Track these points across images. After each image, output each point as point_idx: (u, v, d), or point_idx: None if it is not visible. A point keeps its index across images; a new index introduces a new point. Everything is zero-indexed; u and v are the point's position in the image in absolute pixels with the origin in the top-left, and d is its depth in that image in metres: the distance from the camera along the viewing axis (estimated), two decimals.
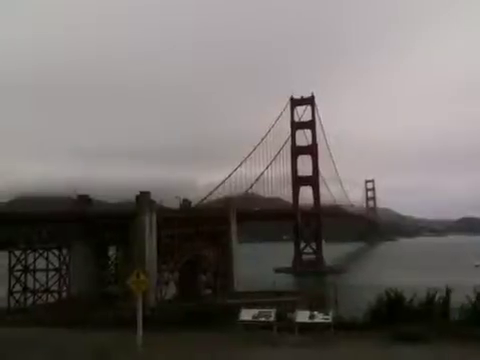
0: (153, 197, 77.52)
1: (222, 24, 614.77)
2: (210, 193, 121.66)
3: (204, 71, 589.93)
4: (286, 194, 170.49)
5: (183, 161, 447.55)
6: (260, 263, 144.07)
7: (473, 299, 18.07)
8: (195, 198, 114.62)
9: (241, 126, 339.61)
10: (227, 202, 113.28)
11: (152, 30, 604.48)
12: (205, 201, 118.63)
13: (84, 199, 78.43)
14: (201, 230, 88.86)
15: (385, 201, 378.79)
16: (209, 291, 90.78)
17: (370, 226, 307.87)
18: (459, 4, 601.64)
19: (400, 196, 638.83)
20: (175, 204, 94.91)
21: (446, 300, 18.68)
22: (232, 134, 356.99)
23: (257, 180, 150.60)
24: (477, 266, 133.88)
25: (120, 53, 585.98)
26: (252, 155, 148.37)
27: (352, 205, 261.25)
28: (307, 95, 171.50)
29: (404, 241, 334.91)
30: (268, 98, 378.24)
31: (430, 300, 18.71)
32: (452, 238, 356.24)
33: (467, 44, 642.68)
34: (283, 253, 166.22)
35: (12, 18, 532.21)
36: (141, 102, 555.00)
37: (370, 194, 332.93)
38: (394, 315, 18.25)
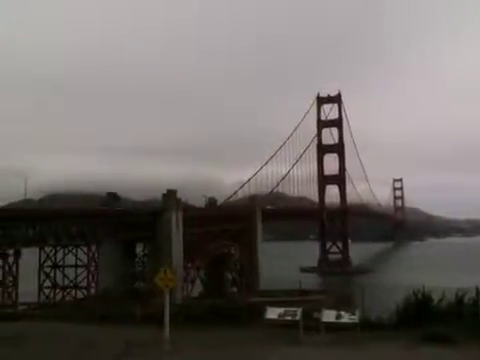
0: (180, 195, 78.24)
1: (250, 20, 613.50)
2: (235, 192, 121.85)
3: (235, 69, 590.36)
4: (312, 193, 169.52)
5: (212, 160, 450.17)
6: (286, 262, 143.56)
7: None
8: (223, 196, 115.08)
9: (271, 124, 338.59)
10: (253, 200, 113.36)
11: (184, 27, 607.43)
12: (231, 199, 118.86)
13: (112, 197, 79.59)
14: (227, 228, 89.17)
15: (413, 200, 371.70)
16: (234, 289, 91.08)
17: (398, 226, 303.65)
18: None
19: (429, 195, 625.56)
20: (201, 202, 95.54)
21: (476, 301, 18.34)
22: (262, 132, 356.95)
23: (283, 179, 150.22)
24: None
25: (151, 52, 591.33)
26: (279, 154, 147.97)
27: (379, 204, 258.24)
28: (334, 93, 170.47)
29: (432, 241, 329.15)
30: (298, 96, 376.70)
31: (459, 301, 18.40)
32: None
33: None
34: (309, 252, 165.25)
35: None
36: (170, 101, 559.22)
37: (398, 193, 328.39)
38: (422, 316, 18.01)
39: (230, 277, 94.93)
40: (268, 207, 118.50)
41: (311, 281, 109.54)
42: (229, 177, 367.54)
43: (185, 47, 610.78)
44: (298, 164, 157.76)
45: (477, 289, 18.48)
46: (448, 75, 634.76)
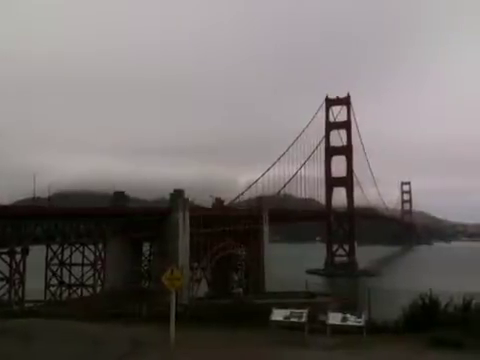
0: (188, 195, 78.47)
1: (264, 20, 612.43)
2: (242, 192, 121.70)
3: (247, 70, 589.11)
4: (320, 195, 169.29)
5: (223, 160, 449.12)
6: (292, 264, 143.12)
7: None
8: (233, 197, 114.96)
9: (284, 125, 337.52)
10: (259, 202, 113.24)
11: (185, 26, 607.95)
12: (238, 200, 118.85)
13: (120, 196, 79.83)
14: (233, 229, 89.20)
15: (421, 204, 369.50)
16: (240, 290, 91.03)
17: (405, 229, 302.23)
18: None
19: (437, 199, 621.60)
20: (209, 203, 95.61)
21: None
22: (274, 133, 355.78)
23: (290, 180, 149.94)
24: None
25: (167, 50, 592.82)
26: (288, 155, 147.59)
27: (387, 207, 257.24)
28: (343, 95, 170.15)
29: (440, 245, 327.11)
30: (310, 97, 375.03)
31: (466, 306, 18.31)
32: None
33: None
34: (315, 254, 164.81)
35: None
36: (182, 101, 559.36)
37: (406, 197, 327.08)
38: (428, 320, 17.93)
39: (236, 278, 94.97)
40: (275, 208, 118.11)
41: (317, 283, 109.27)
42: (240, 177, 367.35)
43: (203, 46, 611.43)
44: (306, 166, 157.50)
45: None
46: (460, 80, 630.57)
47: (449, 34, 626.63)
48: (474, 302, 18.34)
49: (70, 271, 67.17)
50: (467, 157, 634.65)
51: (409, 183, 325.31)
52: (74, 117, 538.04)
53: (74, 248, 67.53)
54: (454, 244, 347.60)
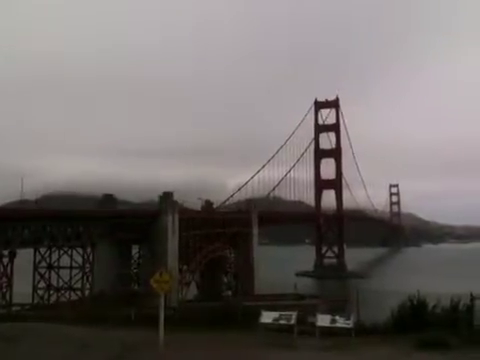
0: (178, 198, 78.23)
1: (254, 24, 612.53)
2: (232, 195, 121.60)
3: (237, 73, 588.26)
4: (309, 197, 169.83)
5: (213, 162, 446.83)
6: (281, 266, 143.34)
7: None
8: (222, 199, 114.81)
9: (275, 127, 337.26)
10: (249, 204, 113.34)
11: (184, 28, 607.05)
12: (228, 203, 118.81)
13: (109, 198, 79.43)
14: (223, 232, 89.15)
15: (410, 206, 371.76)
16: (230, 293, 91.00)
17: (394, 231, 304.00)
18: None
19: (425, 201, 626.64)
20: (198, 205, 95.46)
21: (470, 307, 18.40)
22: (264, 135, 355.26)
23: (280, 183, 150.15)
24: None
25: (150, 52, 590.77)
26: (278, 157, 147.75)
27: (376, 210, 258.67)
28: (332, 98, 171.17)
29: (428, 247, 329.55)
30: (300, 100, 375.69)
31: (454, 307, 18.47)
32: (477, 245, 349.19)
33: None
34: (305, 257, 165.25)
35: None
36: (171, 102, 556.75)
37: (394, 199, 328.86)
38: (417, 322, 18.07)
39: (225, 280, 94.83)
40: (264, 211, 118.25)
41: (306, 285, 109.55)
42: (230, 180, 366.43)
43: (185, 48, 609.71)
44: (295, 168, 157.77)
45: (471, 295, 18.54)
46: (450, 83, 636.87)
47: (440, 36, 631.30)
48: (462, 303, 18.50)
49: (58, 274, 66.60)
50: (456, 160, 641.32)
51: (397, 185, 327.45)
52: (62, 118, 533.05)
53: (62, 251, 67.02)
54: (442, 246, 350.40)
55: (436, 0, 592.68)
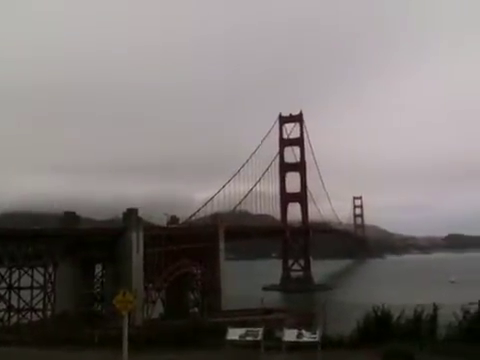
0: (143, 214, 77.17)
1: (217, 38, 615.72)
2: (198, 210, 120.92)
3: (199, 89, 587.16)
4: (275, 211, 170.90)
5: (179, 178, 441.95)
6: (248, 280, 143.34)
7: (460, 317, 18.16)
8: (188, 215, 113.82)
9: (240, 142, 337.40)
10: (215, 219, 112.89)
11: (149, 45, 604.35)
12: (193, 218, 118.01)
13: (71, 216, 77.71)
14: (189, 247, 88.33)
15: (373, 218, 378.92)
16: (196, 310, 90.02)
17: (358, 243, 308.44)
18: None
19: (389, 213, 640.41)
20: (164, 221, 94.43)
21: (434, 318, 18.72)
22: (230, 151, 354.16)
23: (246, 197, 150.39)
24: (452, 282, 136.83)
25: (113, 71, 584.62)
26: (244, 172, 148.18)
27: (340, 222, 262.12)
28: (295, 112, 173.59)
29: (392, 258, 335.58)
30: (265, 115, 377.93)
31: (418, 318, 18.74)
32: (438, 255, 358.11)
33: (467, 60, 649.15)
34: (272, 270, 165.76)
35: None
36: (134, 118, 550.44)
37: (358, 211, 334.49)
38: (382, 333, 18.23)
39: (192, 297, 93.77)
40: (231, 225, 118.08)
41: (274, 299, 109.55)
42: (196, 195, 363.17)
43: (149, 65, 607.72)
44: (261, 182, 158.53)
45: (434, 306, 18.87)
46: (411, 97, 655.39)
47: (403, 52, 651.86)
48: (425, 313, 18.80)
49: (19, 295, 64.60)
50: (418, 174, 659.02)
51: (361, 198, 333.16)
52: (15, 134, 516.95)
53: (23, 271, 65.08)
54: (405, 257, 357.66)
55: (402, 15, 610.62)
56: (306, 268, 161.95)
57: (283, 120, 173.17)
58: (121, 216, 76.85)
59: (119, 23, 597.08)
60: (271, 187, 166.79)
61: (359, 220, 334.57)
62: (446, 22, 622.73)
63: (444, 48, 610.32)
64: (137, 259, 71.74)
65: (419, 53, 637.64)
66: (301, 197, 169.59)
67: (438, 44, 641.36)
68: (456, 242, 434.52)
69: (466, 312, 18.22)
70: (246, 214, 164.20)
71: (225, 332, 17.89)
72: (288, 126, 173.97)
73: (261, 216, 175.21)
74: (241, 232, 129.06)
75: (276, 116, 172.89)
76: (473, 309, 18.31)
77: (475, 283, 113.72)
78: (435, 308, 18.85)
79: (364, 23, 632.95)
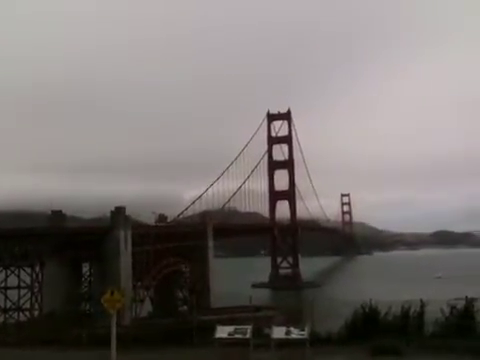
0: (132, 212, 76.83)
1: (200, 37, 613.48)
2: (187, 208, 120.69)
3: (188, 85, 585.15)
4: (264, 209, 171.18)
5: (168, 176, 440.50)
6: (237, 278, 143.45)
7: (447, 313, 18.34)
8: (177, 213, 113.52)
9: (229, 140, 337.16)
10: (203, 217, 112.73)
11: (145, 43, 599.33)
12: (182, 216, 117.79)
13: (58, 215, 77.12)
14: (177, 245, 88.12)
15: (361, 215, 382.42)
16: (185, 308, 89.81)
17: (346, 240, 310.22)
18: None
19: (376, 210, 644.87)
20: (152, 219, 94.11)
21: (421, 314, 18.89)
22: (218, 149, 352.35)
23: (234, 195, 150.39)
24: (438, 278, 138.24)
25: (105, 67, 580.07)
26: (233, 170, 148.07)
27: (328, 219, 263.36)
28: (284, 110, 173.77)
29: (380, 255, 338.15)
30: (254, 113, 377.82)
31: (405, 314, 18.88)
32: (425, 251, 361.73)
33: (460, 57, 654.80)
34: (260, 268, 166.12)
35: None
36: (123, 116, 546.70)
37: (346, 208, 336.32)
38: (370, 329, 18.35)
39: (181, 295, 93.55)
40: (219, 223, 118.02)
41: (262, 297, 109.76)
42: (185, 193, 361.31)
43: (139, 62, 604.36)
44: (250, 180, 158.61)
45: (422, 302, 19.03)
46: (400, 98, 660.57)
47: (393, 50, 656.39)
48: (412, 310, 18.96)
49: (6, 295, 64.08)
50: (405, 171, 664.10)
51: (348, 195, 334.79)
52: (8, 134, 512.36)
53: (9, 271, 64.56)
54: (393, 253, 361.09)
55: (394, 12, 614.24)
56: (295, 265, 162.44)
57: (271, 118, 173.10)
58: (109, 214, 76.39)
59: (90, 22, 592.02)
60: (260, 185, 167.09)
61: (347, 217, 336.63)
62: (438, 20, 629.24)
63: (427, 48, 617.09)
64: (125, 258, 71.39)
65: (410, 52, 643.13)
66: (289, 195, 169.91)
67: (424, 43, 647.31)
68: (443, 238, 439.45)
69: (453, 308, 18.39)
70: (235, 212, 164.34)
71: (213, 330, 17.86)
72: (276, 124, 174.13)
73: (250, 214, 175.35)
74: (230, 230, 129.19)
75: (265, 114, 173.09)
76: (459, 305, 18.49)
77: (461, 279, 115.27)
78: (422, 304, 19.02)
79: (354, 21, 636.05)
